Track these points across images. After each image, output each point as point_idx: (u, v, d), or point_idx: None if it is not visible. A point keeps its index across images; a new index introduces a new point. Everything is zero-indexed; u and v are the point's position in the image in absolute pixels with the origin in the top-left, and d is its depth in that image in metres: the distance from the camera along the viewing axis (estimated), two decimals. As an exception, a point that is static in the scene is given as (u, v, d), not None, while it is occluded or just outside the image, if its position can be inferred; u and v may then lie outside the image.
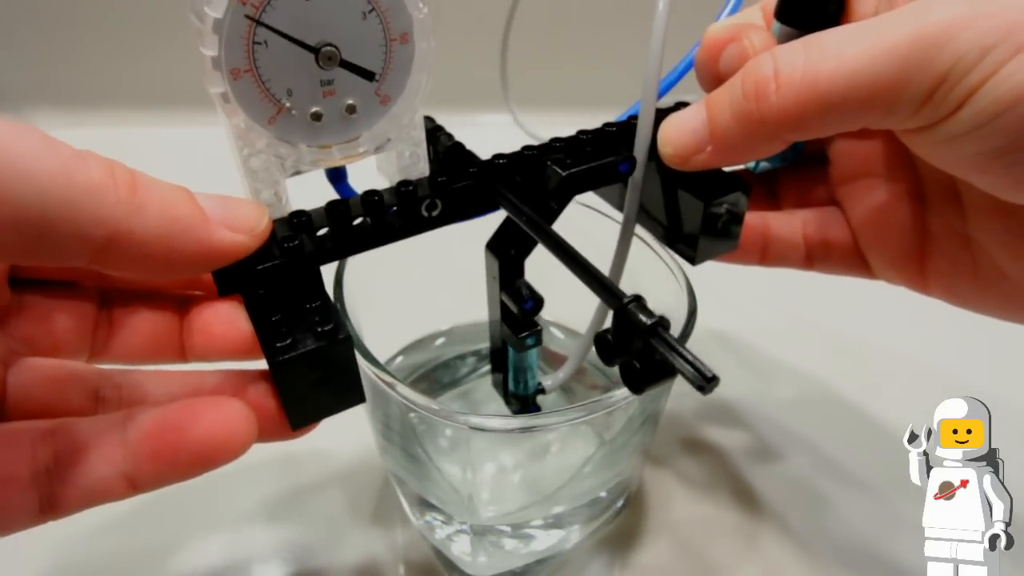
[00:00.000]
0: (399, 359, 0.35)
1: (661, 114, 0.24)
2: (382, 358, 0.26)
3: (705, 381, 0.16)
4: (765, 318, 0.46)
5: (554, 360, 0.36)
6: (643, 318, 0.18)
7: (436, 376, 0.35)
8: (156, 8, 0.61)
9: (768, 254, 0.29)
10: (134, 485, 0.18)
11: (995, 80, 0.18)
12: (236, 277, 0.20)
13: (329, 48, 0.19)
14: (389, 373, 0.23)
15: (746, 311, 0.46)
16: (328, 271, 0.25)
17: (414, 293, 0.34)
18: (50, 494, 0.17)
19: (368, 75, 0.20)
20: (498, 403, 0.29)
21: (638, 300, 0.18)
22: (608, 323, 0.20)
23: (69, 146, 0.16)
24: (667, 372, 0.18)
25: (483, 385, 0.35)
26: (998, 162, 0.19)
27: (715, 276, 0.30)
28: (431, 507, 0.29)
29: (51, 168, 0.15)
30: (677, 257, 0.27)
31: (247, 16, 0.18)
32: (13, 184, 0.15)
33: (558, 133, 0.25)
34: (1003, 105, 0.18)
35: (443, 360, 0.36)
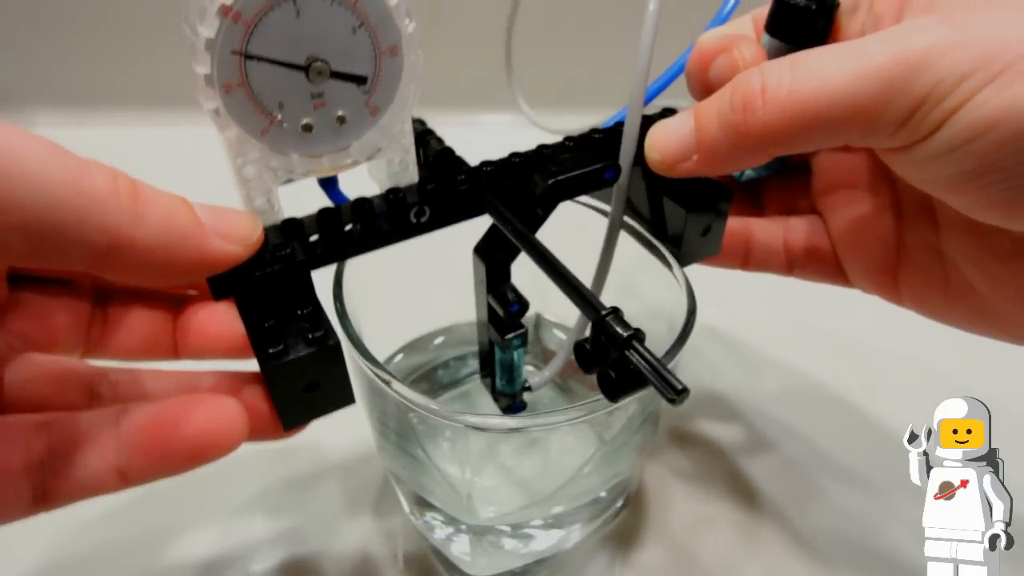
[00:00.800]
0: (398, 358, 0.35)
1: (648, 121, 0.24)
2: (381, 357, 0.26)
3: (676, 393, 0.17)
4: (765, 316, 0.46)
5: (550, 358, 0.36)
6: (619, 330, 0.18)
7: (436, 376, 0.35)
8: (156, 8, 0.61)
9: (750, 259, 0.30)
10: (126, 479, 0.18)
11: (970, 106, 0.18)
12: (230, 283, 0.20)
13: (319, 63, 0.20)
14: (388, 372, 0.23)
15: (746, 309, 0.46)
16: (327, 271, 0.25)
17: (414, 292, 0.34)
18: (43, 486, 0.18)
19: (360, 80, 0.21)
20: (497, 403, 0.29)
21: (615, 312, 0.19)
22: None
23: (74, 154, 0.16)
24: (641, 382, 0.18)
25: (483, 385, 0.35)
26: (971, 184, 0.20)
27: (713, 273, 0.30)
28: (430, 507, 0.29)
29: (58, 175, 0.16)
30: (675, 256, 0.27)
31: (234, 51, 0.18)
32: (21, 189, 0.15)
33: (558, 128, 0.25)
34: (976, 130, 0.19)
35: (443, 360, 0.36)
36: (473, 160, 0.25)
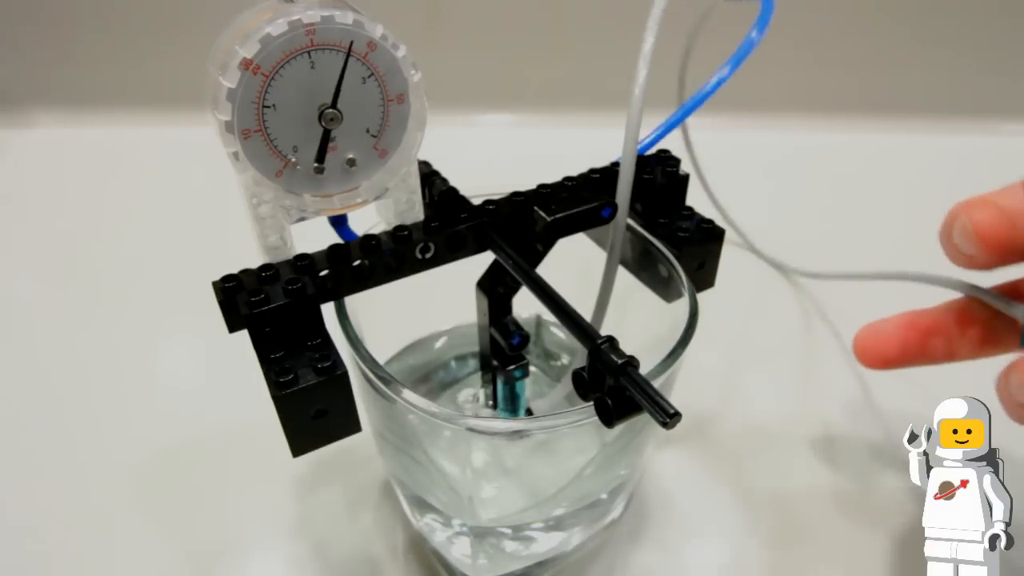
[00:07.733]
0: (399, 359, 0.35)
1: (642, 161, 0.25)
2: (382, 358, 0.26)
3: (668, 417, 0.17)
4: (765, 317, 0.46)
5: (551, 358, 0.36)
6: (614, 358, 0.19)
7: (437, 377, 0.35)
8: (156, 8, 0.61)
9: None
10: None
11: None
12: (244, 316, 0.21)
13: (331, 111, 0.21)
14: (388, 374, 0.23)
15: (747, 309, 0.46)
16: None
17: (415, 293, 0.34)
18: None
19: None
20: (498, 404, 0.29)
21: (611, 341, 0.19)
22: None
23: None
24: (636, 408, 0.19)
25: (482, 384, 0.35)
26: None
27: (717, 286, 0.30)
28: (431, 508, 0.29)
29: None
30: (677, 260, 0.27)
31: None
32: None
33: (562, 133, 0.25)
34: None
35: (444, 361, 0.36)
36: (474, 159, 0.25)
